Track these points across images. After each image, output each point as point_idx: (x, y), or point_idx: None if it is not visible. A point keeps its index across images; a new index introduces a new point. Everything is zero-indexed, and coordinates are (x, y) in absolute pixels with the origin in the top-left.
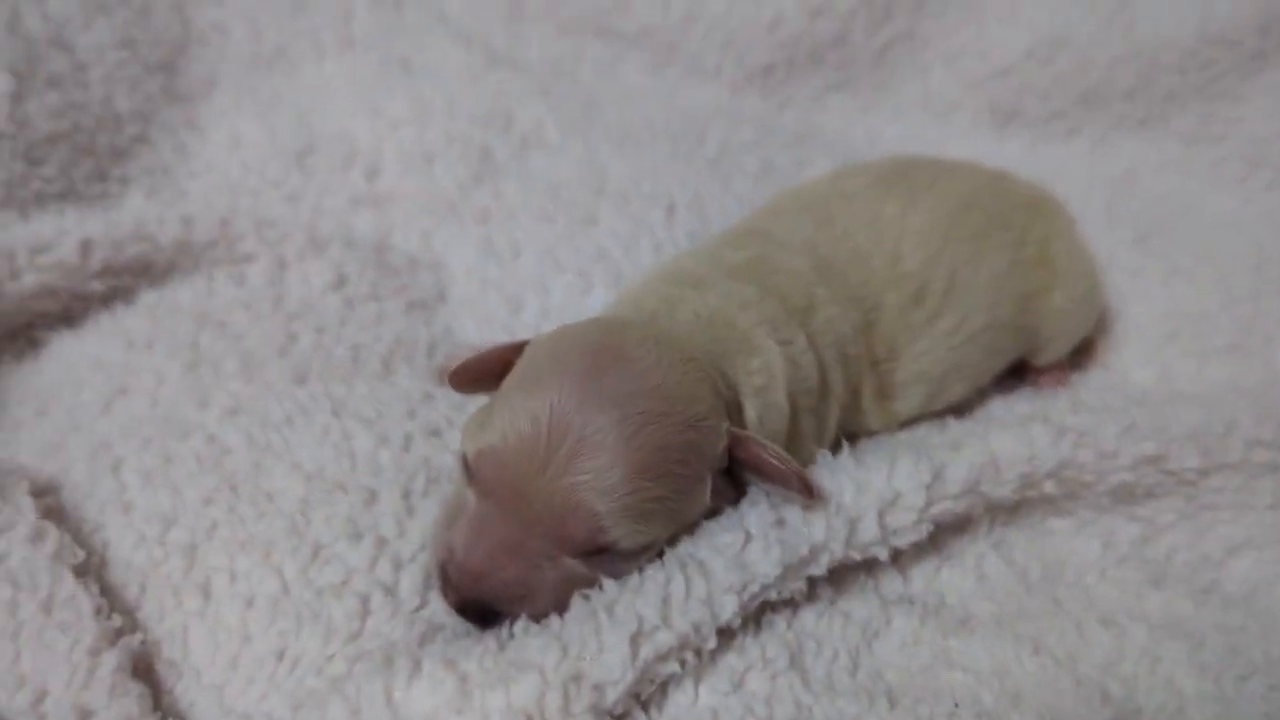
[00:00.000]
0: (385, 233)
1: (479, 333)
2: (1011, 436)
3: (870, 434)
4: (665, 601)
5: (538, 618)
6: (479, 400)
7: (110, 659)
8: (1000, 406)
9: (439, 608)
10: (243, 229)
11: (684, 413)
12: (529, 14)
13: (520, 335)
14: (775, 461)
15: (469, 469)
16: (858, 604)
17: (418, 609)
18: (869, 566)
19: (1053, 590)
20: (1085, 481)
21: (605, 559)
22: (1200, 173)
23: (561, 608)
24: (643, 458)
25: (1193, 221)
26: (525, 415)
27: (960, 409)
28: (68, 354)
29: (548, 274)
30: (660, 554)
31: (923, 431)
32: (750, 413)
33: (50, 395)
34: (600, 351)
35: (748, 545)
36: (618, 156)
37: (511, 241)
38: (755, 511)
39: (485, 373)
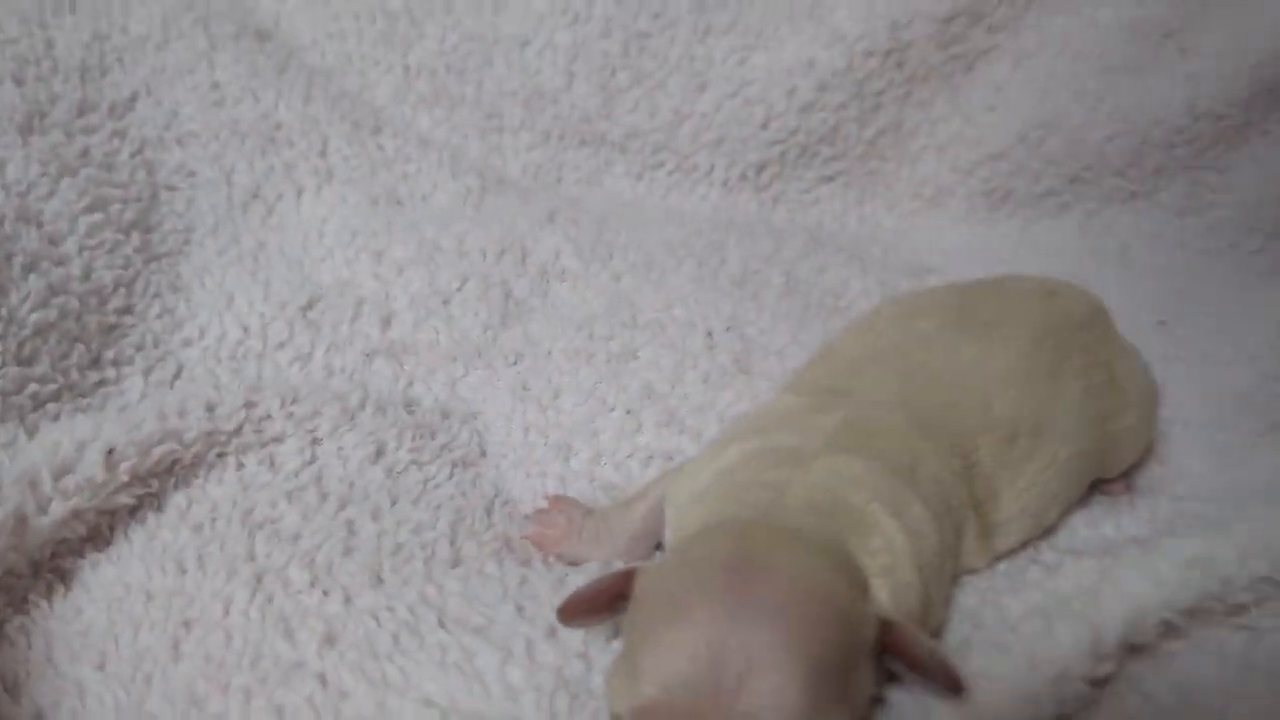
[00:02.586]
0: (406, 385)
1: (529, 486)
2: (1147, 580)
3: (970, 571)
4: None
5: None
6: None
7: None
8: (1082, 523)
9: None
10: (268, 408)
11: (838, 610)
12: (507, 125)
13: (572, 484)
14: (927, 656)
15: None
16: None
17: None
18: None
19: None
20: (1208, 609)
21: None
22: (1191, 242)
23: None
24: (811, 665)
25: (1203, 296)
26: (680, 655)
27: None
28: (106, 585)
29: (595, 415)
30: None
31: (1033, 571)
32: (881, 594)
33: (104, 642)
34: (738, 566)
35: None
36: (644, 283)
37: (549, 383)
38: (944, 708)
39: (598, 604)
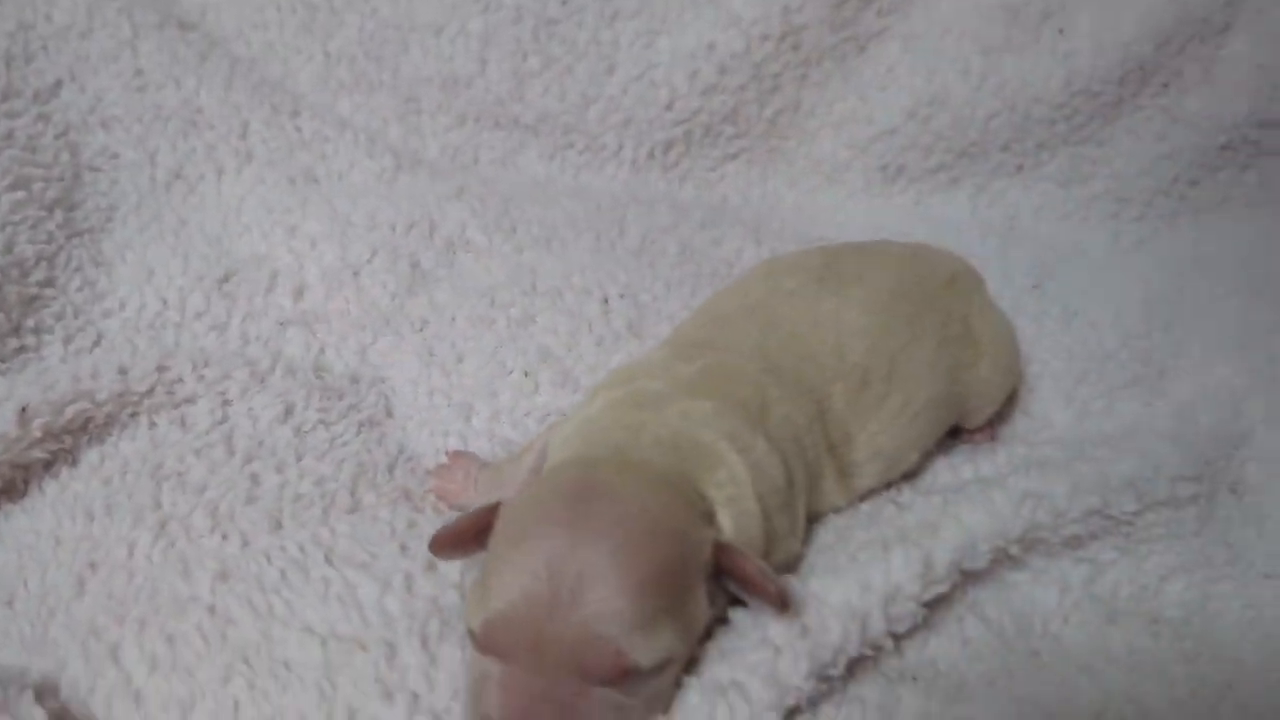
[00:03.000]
0: (318, 352)
1: (433, 444)
2: (980, 511)
3: (834, 510)
4: None
5: None
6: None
7: None
8: (945, 468)
9: None
10: (180, 371)
11: (670, 529)
12: (424, 108)
13: (473, 442)
14: (755, 574)
15: (481, 643)
16: (868, 688)
17: None
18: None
19: (1029, 643)
20: (1040, 538)
21: (632, 682)
22: (1075, 212)
23: None
24: (640, 577)
25: (1080, 262)
26: (522, 573)
27: (909, 473)
28: (19, 533)
29: (494, 378)
30: (687, 670)
31: (889, 510)
32: (725, 522)
33: (14, 582)
34: (579, 494)
35: (778, 660)
36: (545, 254)
37: (453, 347)
38: (778, 625)
39: (465, 537)
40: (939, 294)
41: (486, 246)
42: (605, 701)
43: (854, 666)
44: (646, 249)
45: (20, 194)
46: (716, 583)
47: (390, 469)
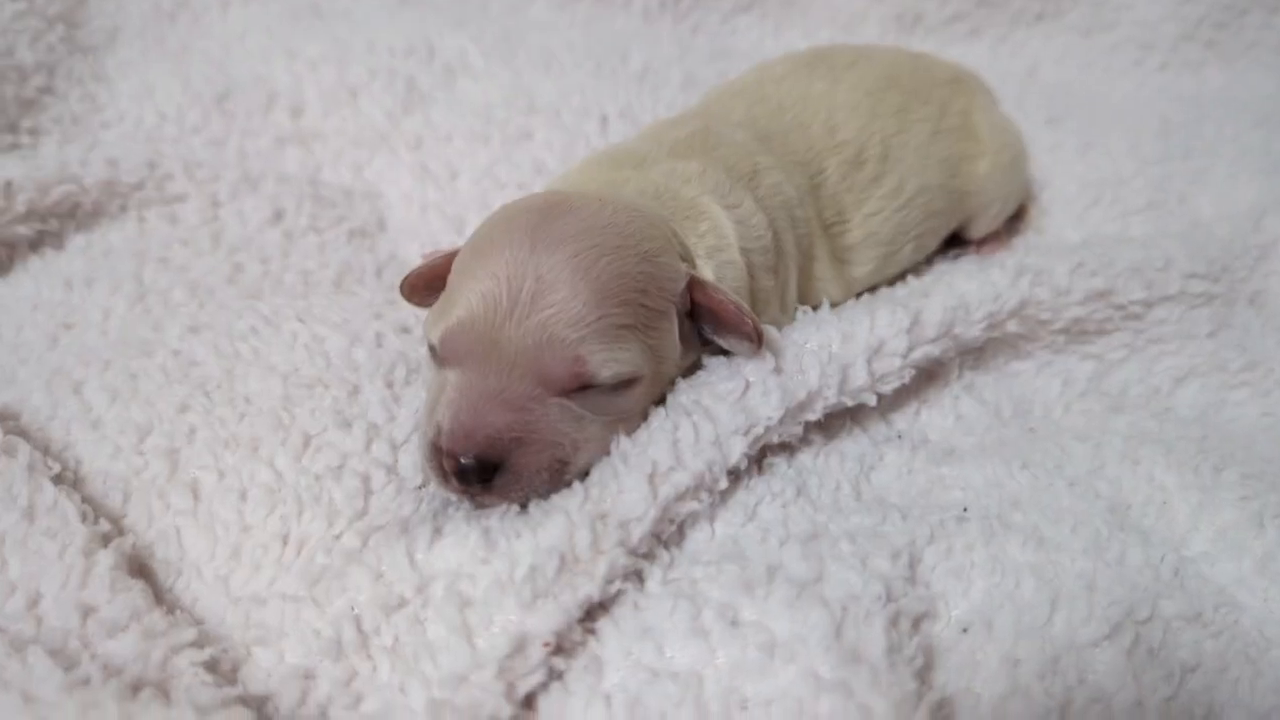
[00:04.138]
0: (315, 169)
1: (422, 253)
2: (975, 281)
3: (833, 305)
4: (676, 445)
5: (541, 465)
6: None
7: (105, 558)
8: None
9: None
10: (171, 169)
11: (637, 247)
12: None
13: None
14: (730, 307)
15: (439, 355)
16: (850, 444)
17: (422, 485)
18: (855, 414)
19: (1025, 422)
20: (1043, 320)
21: (592, 396)
22: (1097, 61)
23: (563, 450)
24: (602, 285)
25: (1098, 103)
26: (482, 278)
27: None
28: (2, 299)
29: (487, 191)
30: (661, 402)
31: (887, 291)
32: (707, 273)
33: None
34: (547, 208)
35: (748, 391)
36: (544, 78)
37: (447, 164)
38: (753, 363)
39: (435, 278)
40: (935, 87)
41: (485, 70)
42: (562, 411)
43: (836, 422)
44: (649, 76)
45: (21, 4)
46: (692, 324)
47: (379, 272)
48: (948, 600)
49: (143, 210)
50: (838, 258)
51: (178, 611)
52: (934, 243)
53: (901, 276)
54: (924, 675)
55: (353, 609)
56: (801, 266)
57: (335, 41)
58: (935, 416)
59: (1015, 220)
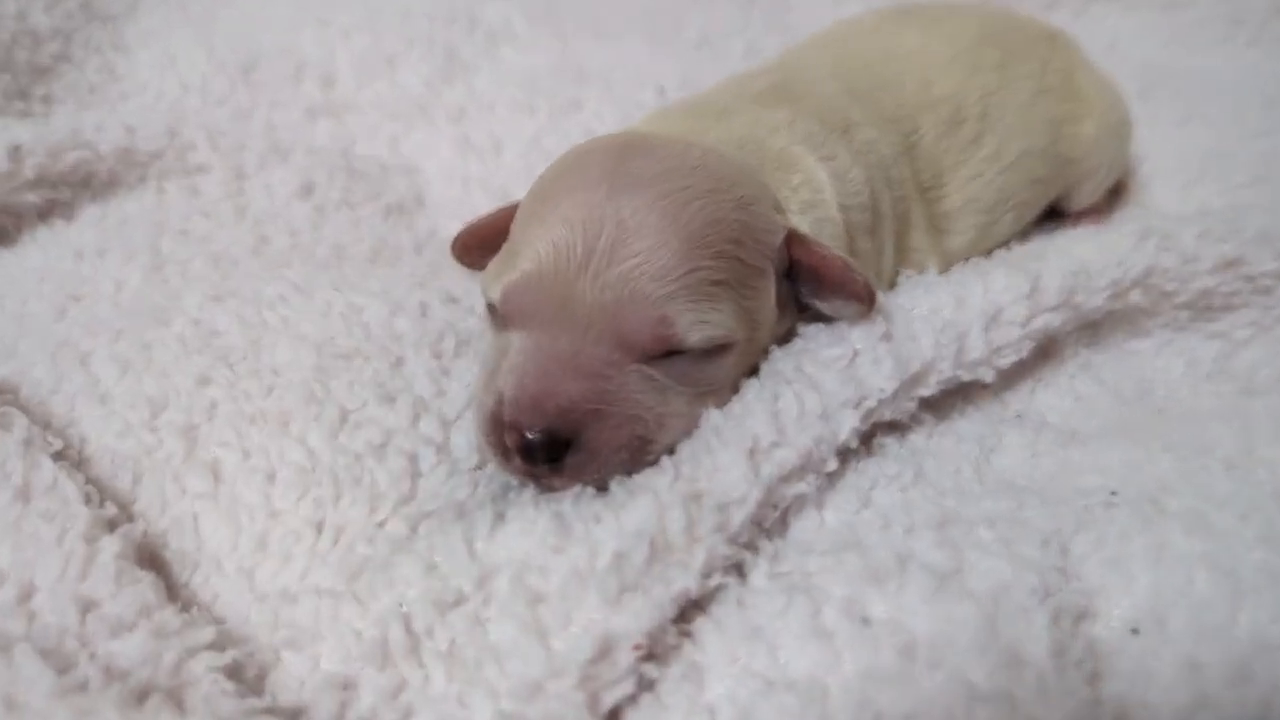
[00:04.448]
0: (348, 142)
1: None
2: (1095, 244)
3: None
4: (777, 417)
5: (619, 442)
6: None
7: (110, 545)
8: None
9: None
10: (192, 138)
11: (731, 192)
12: None
13: None
14: (835, 264)
15: (500, 314)
16: (964, 424)
17: (478, 466)
18: (965, 393)
19: (1152, 403)
20: (1167, 291)
21: (678, 363)
22: (1181, 38)
23: (645, 426)
24: (693, 232)
25: (1189, 77)
26: (552, 224)
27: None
28: (6, 270)
29: (534, 164)
30: (753, 374)
31: (999, 254)
32: (802, 227)
33: None
34: (625, 146)
35: (856, 359)
36: (594, 46)
37: (491, 136)
38: (859, 328)
39: (493, 235)
40: (1033, 44)
41: (530, 38)
42: (643, 380)
43: (945, 402)
44: (707, 46)
45: None
46: (790, 285)
47: (418, 250)
48: (1107, 596)
49: (162, 181)
50: (935, 226)
51: (194, 609)
52: (1032, 214)
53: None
54: (1094, 683)
55: (401, 606)
56: (897, 233)
57: (368, 9)
58: (1052, 397)
59: (1114, 195)
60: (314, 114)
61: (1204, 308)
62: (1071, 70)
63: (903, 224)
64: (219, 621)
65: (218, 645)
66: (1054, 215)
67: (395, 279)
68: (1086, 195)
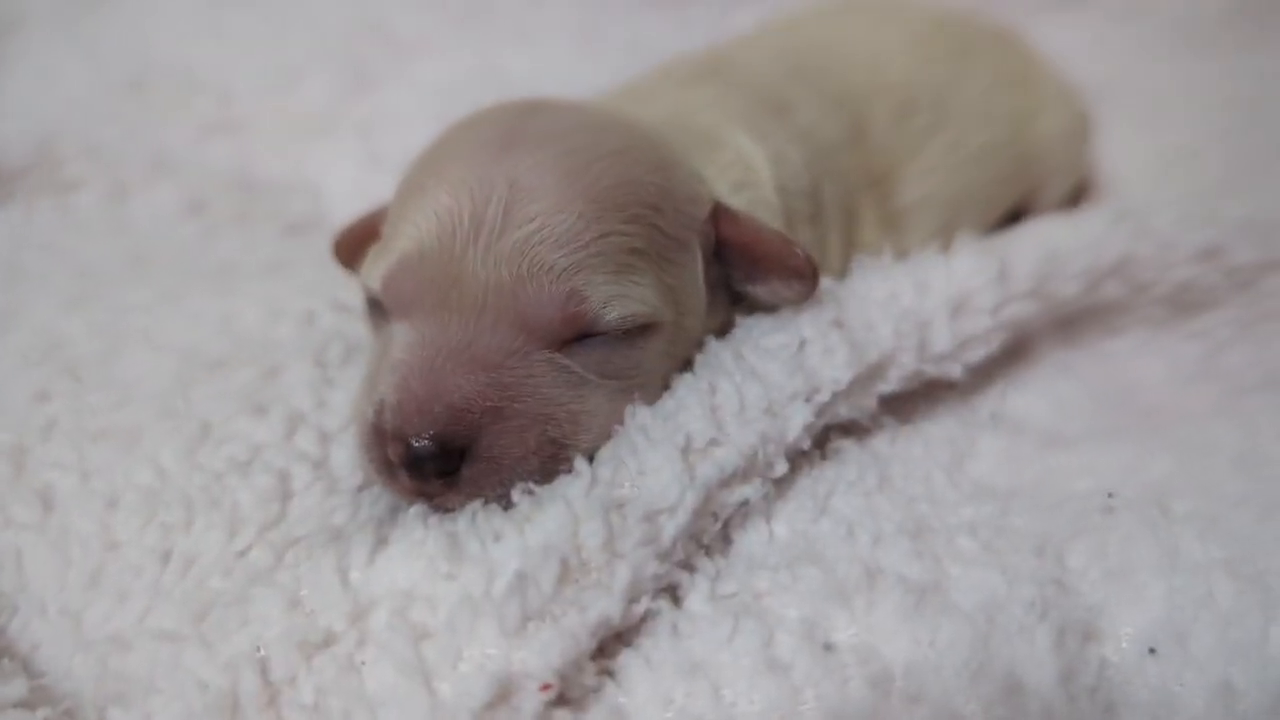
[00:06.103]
0: (246, 160)
1: None
2: (1067, 228)
3: None
4: (715, 412)
5: (526, 447)
6: None
7: None
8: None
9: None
10: (67, 153)
11: (645, 153)
12: None
13: None
14: (771, 234)
15: (380, 304)
16: (932, 428)
17: (362, 487)
18: (930, 395)
19: (1136, 405)
20: (1144, 282)
21: (595, 349)
22: (1133, 49)
23: (557, 425)
24: (601, 192)
25: (1145, 83)
26: (434, 193)
27: None
28: None
29: None
30: (688, 366)
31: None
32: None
33: None
34: (521, 108)
35: (804, 347)
36: (518, 55)
37: (404, 150)
38: (806, 313)
39: (370, 231)
40: (988, 38)
41: (447, 47)
42: (554, 370)
43: (907, 409)
44: (637, 53)
45: None
46: (720, 270)
47: (321, 268)
48: (1115, 611)
49: (32, 198)
50: (889, 223)
51: (5, 660)
52: (994, 215)
53: None
54: (1109, 716)
55: (257, 649)
56: (845, 230)
57: (269, 21)
58: (1028, 399)
59: (1078, 200)
60: (208, 131)
61: (1182, 303)
62: (1026, 64)
63: (850, 219)
64: (38, 675)
65: (28, 704)
66: (1016, 221)
67: (283, 288)
68: (1050, 196)
